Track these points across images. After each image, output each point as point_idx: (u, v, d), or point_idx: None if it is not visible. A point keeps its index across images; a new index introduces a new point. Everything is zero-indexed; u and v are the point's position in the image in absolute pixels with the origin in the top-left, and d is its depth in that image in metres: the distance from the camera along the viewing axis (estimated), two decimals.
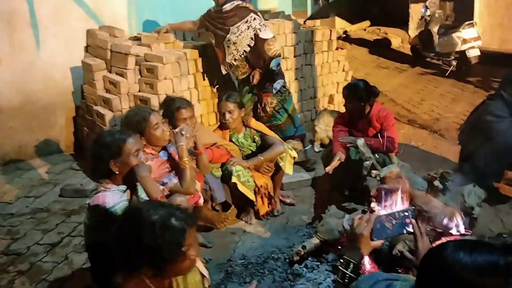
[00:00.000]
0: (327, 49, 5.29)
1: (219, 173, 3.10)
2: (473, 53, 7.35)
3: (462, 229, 2.34)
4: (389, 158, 3.21)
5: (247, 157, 3.27)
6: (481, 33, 7.94)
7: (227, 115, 3.18)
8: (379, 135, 3.26)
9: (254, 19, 3.74)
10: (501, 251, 1.03)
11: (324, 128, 4.51)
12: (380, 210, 2.43)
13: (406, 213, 1.49)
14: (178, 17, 5.28)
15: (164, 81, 3.81)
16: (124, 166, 1.97)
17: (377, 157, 3.14)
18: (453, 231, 2.33)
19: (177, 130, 2.54)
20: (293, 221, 3.22)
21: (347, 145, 3.21)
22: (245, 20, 3.72)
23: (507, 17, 8.76)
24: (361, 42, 10.38)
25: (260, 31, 3.76)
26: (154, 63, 3.83)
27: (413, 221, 1.45)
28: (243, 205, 3.22)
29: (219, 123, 3.36)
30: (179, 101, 2.97)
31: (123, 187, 2.00)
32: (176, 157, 2.53)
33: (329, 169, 3.16)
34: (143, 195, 2.08)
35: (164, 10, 5.47)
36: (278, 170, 3.28)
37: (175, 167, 2.55)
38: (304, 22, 6.24)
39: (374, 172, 2.72)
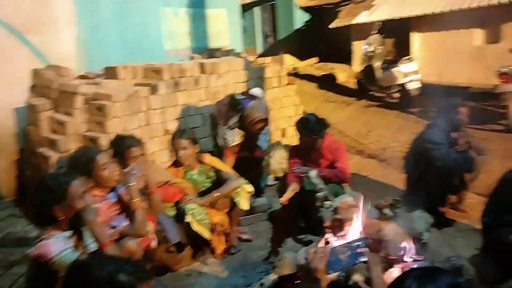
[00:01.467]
0: (278, 85, 5.45)
1: (173, 212, 3.02)
2: (413, 86, 7.86)
3: (414, 255, 2.41)
4: (342, 188, 3.28)
5: (202, 194, 3.21)
6: (420, 67, 8.52)
7: (181, 152, 3.15)
8: (331, 166, 3.36)
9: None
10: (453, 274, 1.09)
11: (279, 161, 4.57)
12: (335, 240, 2.47)
13: (359, 243, 1.52)
14: (128, 56, 5.27)
15: (113, 120, 3.73)
16: (70, 210, 1.87)
17: (330, 187, 3.21)
18: (406, 258, 2.38)
19: (127, 169, 2.47)
20: (250, 257, 3.17)
21: (301, 176, 3.26)
22: None
23: (442, 52, 9.51)
24: (310, 77, 10.81)
25: None
26: (103, 101, 3.75)
27: (367, 250, 1.47)
28: (199, 244, 3.13)
29: (172, 161, 3.31)
30: (129, 139, 2.91)
31: (69, 233, 1.89)
32: (127, 198, 2.44)
33: (284, 199, 3.19)
34: (90, 240, 1.98)
35: (114, 49, 5.44)
36: (234, 206, 3.25)
37: (126, 208, 2.46)
38: (255, 59, 6.43)
39: (327, 203, 2.77)
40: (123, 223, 2.37)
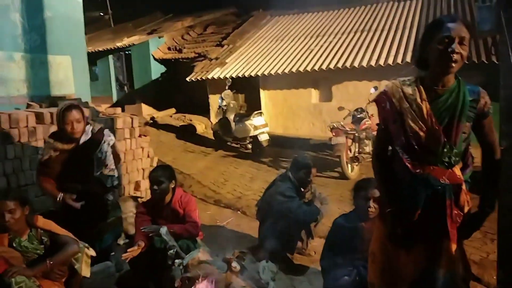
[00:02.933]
0: (130, 136, 5.25)
1: None
2: (263, 138, 8.51)
3: None
4: (194, 243, 3.21)
5: (33, 262, 2.76)
6: (268, 121, 9.31)
7: (7, 216, 2.69)
8: (182, 220, 3.27)
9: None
10: None
11: (124, 216, 4.28)
12: None
13: None
14: None
15: None
16: None
17: (182, 243, 3.11)
18: None
19: None
20: None
21: (150, 235, 3.11)
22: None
23: (286, 108, 10.62)
24: (168, 128, 10.79)
25: None
26: None
27: None
28: None
29: None
30: None
31: None
32: None
33: (127, 255, 2.98)
34: None
35: None
36: (73, 273, 2.87)
37: None
38: (106, 109, 6.12)
39: (177, 261, 2.67)
40: None
